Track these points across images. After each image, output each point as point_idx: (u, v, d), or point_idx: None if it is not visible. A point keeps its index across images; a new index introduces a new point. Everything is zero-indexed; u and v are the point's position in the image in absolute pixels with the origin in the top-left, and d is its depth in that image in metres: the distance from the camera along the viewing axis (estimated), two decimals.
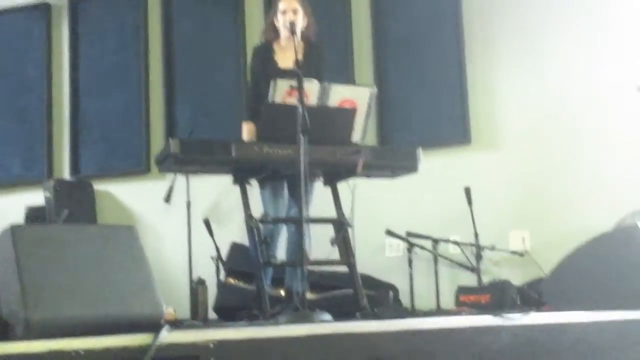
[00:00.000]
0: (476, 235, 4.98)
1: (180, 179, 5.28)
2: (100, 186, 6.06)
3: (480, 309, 4.17)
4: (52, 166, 6.22)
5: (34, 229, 2.80)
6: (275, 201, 4.30)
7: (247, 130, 4.41)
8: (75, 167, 6.16)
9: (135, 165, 6.03)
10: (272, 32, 4.55)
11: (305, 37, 4.47)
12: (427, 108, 5.51)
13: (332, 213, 4.16)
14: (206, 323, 4.02)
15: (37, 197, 5.79)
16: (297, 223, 3.66)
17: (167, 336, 2.41)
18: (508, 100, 5.41)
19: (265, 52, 4.53)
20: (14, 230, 2.54)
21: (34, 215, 5.67)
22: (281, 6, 4.42)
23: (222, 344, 2.48)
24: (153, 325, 2.47)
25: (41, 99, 6.32)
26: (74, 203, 5.64)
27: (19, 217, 5.60)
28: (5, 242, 2.52)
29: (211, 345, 2.44)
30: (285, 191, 4.37)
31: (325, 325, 2.97)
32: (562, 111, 5.28)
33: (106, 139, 6.14)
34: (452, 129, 5.45)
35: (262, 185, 4.33)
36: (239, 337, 2.56)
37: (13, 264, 2.45)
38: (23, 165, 6.29)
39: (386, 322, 2.93)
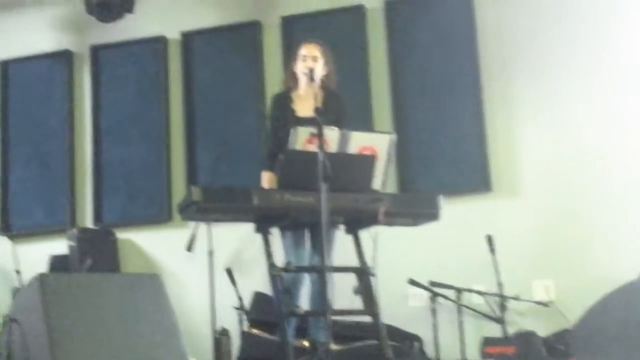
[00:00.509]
0: (500, 284, 4.92)
1: (202, 228, 5.28)
2: (122, 234, 6.08)
3: None
4: (74, 214, 6.24)
5: (61, 278, 2.81)
6: (297, 250, 4.30)
7: (267, 179, 4.42)
8: (98, 215, 6.19)
9: (157, 213, 6.05)
10: (291, 80, 4.59)
11: (324, 85, 4.50)
12: (447, 155, 5.51)
13: (354, 262, 4.14)
14: None
15: (60, 246, 5.80)
16: (320, 272, 3.65)
17: None
18: (529, 147, 5.40)
19: (284, 100, 4.57)
20: (42, 279, 2.55)
21: (58, 264, 5.67)
22: (302, 52, 4.47)
23: None
24: None
25: (63, 146, 6.37)
26: (97, 251, 5.65)
27: (42, 265, 5.61)
28: (33, 290, 2.54)
29: None
30: (307, 240, 4.36)
31: None
32: (585, 157, 5.26)
33: (128, 187, 6.17)
34: (473, 176, 5.43)
35: (283, 234, 4.32)
36: None
37: (41, 313, 2.46)
38: (46, 213, 6.31)
39: None
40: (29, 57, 6.59)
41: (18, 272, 5.55)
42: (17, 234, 6.05)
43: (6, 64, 6.64)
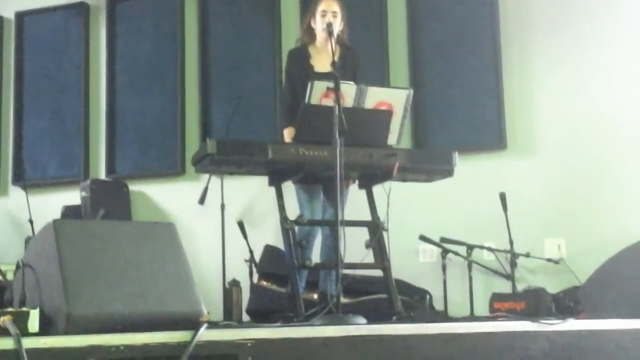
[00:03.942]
0: (511, 242, 4.95)
1: (215, 181, 5.31)
2: (135, 187, 6.12)
3: (515, 316, 4.13)
4: (88, 165, 6.28)
5: (76, 224, 2.82)
6: (311, 203, 4.31)
7: (289, 135, 4.38)
8: (111, 167, 6.22)
9: (170, 166, 6.07)
10: (308, 35, 4.56)
11: (340, 41, 4.47)
12: (463, 112, 5.48)
13: (366, 216, 4.15)
14: (241, 324, 4.03)
15: (73, 197, 5.85)
16: (333, 226, 3.67)
17: (206, 334, 2.43)
18: (545, 106, 5.37)
19: (302, 55, 4.54)
20: (56, 225, 2.56)
21: (71, 214, 5.72)
22: (321, 7, 4.42)
23: (259, 343, 2.50)
24: (192, 323, 2.49)
25: (78, 99, 6.38)
26: (110, 203, 5.69)
27: (55, 216, 5.65)
28: (48, 236, 2.55)
29: (249, 344, 2.45)
30: (321, 193, 4.37)
31: (361, 328, 2.96)
32: (600, 117, 5.24)
33: (142, 140, 6.19)
34: (488, 133, 5.42)
35: (298, 187, 4.33)
36: (276, 336, 2.57)
37: (55, 259, 2.48)
38: (60, 165, 6.35)
39: (422, 325, 2.92)
40: (45, 9, 6.58)
41: (31, 221, 5.60)
42: (30, 184, 6.07)
43: (21, 16, 6.63)
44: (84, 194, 5.71)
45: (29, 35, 6.62)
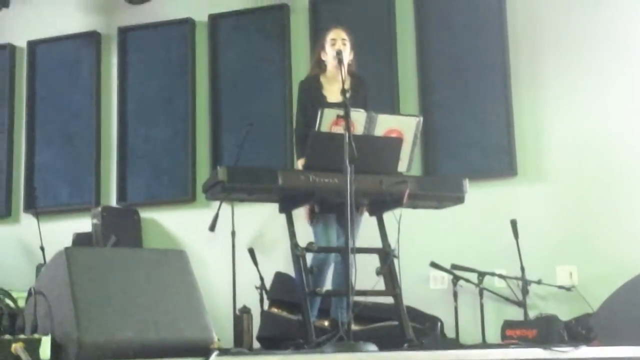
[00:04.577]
0: (522, 269, 4.92)
1: (225, 208, 5.31)
2: (146, 214, 6.13)
3: (527, 343, 4.10)
4: (99, 193, 6.30)
5: (88, 252, 2.84)
6: (326, 232, 4.31)
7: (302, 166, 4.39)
8: (122, 194, 6.24)
9: (181, 193, 6.09)
10: (319, 67, 4.59)
11: (350, 70, 4.49)
12: (473, 139, 5.49)
13: (377, 243, 4.15)
14: (252, 351, 4.01)
15: (84, 224, 5.87)
16: (344, 253, 3.66)
17: None
18: (555, 132, 5.36)
19: (313, 86, 4.56)
20: (68, 252, 2.58)
21: (82, 241, 5.73)
22: (330, 36, 4.46)
23: None
24: (203, 350, 2.48)
25: (89, 126, 6.42)
26: (121, 230, 5.70)
27: (66, 243, 5.66)
28: (59, 264, 2.56)
29: None
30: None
31: (373, 355, 2.95)
32: (611, 142, 5.23)
33: (153, 167, 6.21)
34: (498, 160, 5.42)
35: (314, 220, 4.33)
36: None
37: (67, 286, 2.48)
38: (71, 192, 6.38)
39: (434, 352, 2.91)
40: (57, 38, 6.64)
41: (42, 249, 5.62)
42: (42, 212, 6.10)
43: (34, 45, 6.70)
44: (95, 221, 5.73)
45: (41, 64, 6.68)
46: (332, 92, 4.46)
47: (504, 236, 5.00)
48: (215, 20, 6.25)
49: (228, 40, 6.23)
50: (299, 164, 4.40)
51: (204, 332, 2.63)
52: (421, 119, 4.18)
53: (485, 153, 5.44)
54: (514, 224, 4.99)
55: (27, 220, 6.34)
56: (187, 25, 6.30)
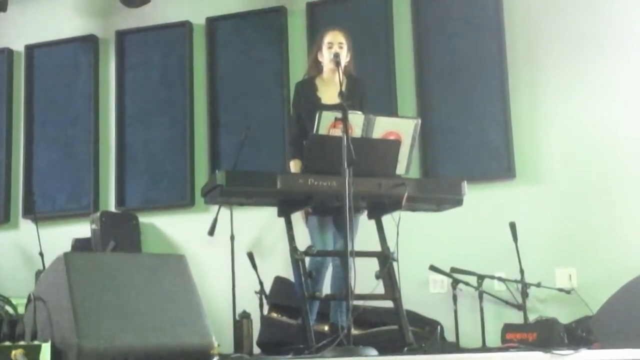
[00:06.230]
0: (522, 272, 4.92)
1: (224, 212, 5.31)
2: (145, 218, 6.11)
3: (527, 347, 4.10)
4: (98, 198, 6.29)
5: (87, 257, 2.84)
6: (322, 235, 4.30)
7: (294, 167, 4.41)
8: (120, 199, 6.23)
9: (180, 197, 6.07)
10: (315, 68, 4.59)
11: (347, 72, 4.49)
12: (471, 141, 5.48)
13: (376, 247, 4.15)
14: (252, 356, 4.01)
15: (83, 229, 5.86)
16: (343, 256, 3.66)
17: None
18: (553, 134, 5.36)
19: (308, 87, 4.55)
20: (67, 258, 2.57)
21: (81, 246, 5.71)
22: (327, 39, 4.45)
23: None
24: (202, 355, 2.48)
25: (87, 131, 6.41)
26: (120, 235, 5.69)
27: (65, 249, 5.64)
28: (59, 269, 2.56)
29: None
30: (331, 225, 4.36)
31: (372, 359, 2.94)
32: (609, 144, 5.22)
33: (151, 172, 6.20)
34: (496, 162, 5.41)
35: (309, 219, 4.33)
36: None
37: (66, 291, 2.48)
38: (70, 197, 6.36)
39: (434, 356, 2.90)
40: (55, 42, 6.63)
41: (41, 254, 5.61)
42: (41, 217, 6.09)
43: (31, 49, 6.68)
44: (94, 226, 5.72)
45: (39, 67, 6.67)
46: (328, 93, 4.45)
47: (503, 239, 5.00)
48: (213, 23, 6.25)
49: (226, 43, 6.23)
50: (291, 165, 4.40)
51: (203, 337, 2.63)
52: (419, 121, 4.18)
53: (483, 155, 5.43)
54: (512, 226, 4.99)
55: (26, 226, 6.32)
56: (184, 28, 6.30)
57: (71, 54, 6.61)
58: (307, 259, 4.09)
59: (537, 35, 5.50)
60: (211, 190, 3.95)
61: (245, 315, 4.82)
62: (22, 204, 6.46)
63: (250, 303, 5.13)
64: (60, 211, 6.34)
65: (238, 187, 3.87)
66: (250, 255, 5.27)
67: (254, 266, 5.23)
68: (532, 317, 4.83)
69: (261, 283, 5.17)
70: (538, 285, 4.94)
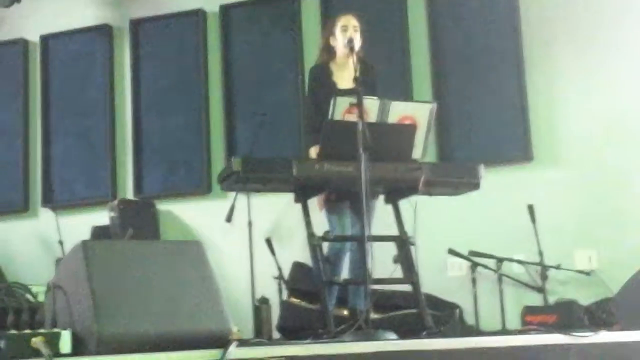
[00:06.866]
0: (541, 254, 4.90)
1: (242, 199, 5.31)
2: (162, 206, 6.14)
3: (547, 329, 4.08)
4: (115, 186, 6.32)
5: (105, 245, 2.84)
6: (341, 221, 4.29)
7: (315, 153, 4.35)
8: (138, 187, 6.25)
9: (196, 185, 6.10)
10: (327, 53, 4.55)
11: (358, 56, 4.46)
12: (487, 124, 5.46)
13: (393, 231, 4.14)
14: (272, 341, 4.02)
15: (102, 217, 5.89)
16: (360, 241, 3.65)
17: (236, 352, 2.43)
18: (570, 116, 5.33)
19: (323, 72, 4.52)
20: (85, 246, 2.58)
21: (99, 234, 5.75)
22: (341, 23, 4.42)
23: None
24: (221, 341, 2.48)
25: (104, 119, 6.44)
26: (138, 223, 5.71)
27: (84, 237, 5.66)
28: (77, 257, 2.57)
29: None
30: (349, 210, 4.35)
31: (392, 343, 2.95)
32: (627, 125, 5.19)
33: (168, 159, 6.22)
34: (514, 145, 5.39)
35: (327, 204, 4.32)
36: (307, 353, 2.56)
37: (85, 279, 2.49)
38: (88, 186, 6.40)
39: (453, 339, 2.90)
40: (69, 32, 6.64)
41: (61, 242, 5.66)
42: (59, 206, 6.14)
43: (46, 39, 6.70)
44: (112, 214, 5.74)
45: (54, 58, 6.69)
46: (343, 78, 4.44)
47: (522, 222, 4.99)
48: (227, 10, 6.24)
49: (240, 30, 6.22)
50: (312, 152, 4.38)
51: (222, 323, 2.63)
52: (435, 105, 4.14)
53: (500, 138, 5.41)
54: (531, 209, 4.97)
55: (45, 215, 6.37)
56: (198, 16, 6.30)
57: (86, 43, 6.62)
58: (326, 245, 4.09)
59: (553, 19, 5.46)
60: (228, 177, 3.96)
61: (264, 300, 4.84)
62: (41, 193, 6.50)
63: (269, 288, 5.15)
64: (79, 199, 6.38)
65: (254, 174, 3.87)
66: (269, 241, 5.28)
67: (272, 252, 5.23)
68: (551, 299, 4.82)
69: (280, 268, 5.18)
70: (558, 267, 4.93)
